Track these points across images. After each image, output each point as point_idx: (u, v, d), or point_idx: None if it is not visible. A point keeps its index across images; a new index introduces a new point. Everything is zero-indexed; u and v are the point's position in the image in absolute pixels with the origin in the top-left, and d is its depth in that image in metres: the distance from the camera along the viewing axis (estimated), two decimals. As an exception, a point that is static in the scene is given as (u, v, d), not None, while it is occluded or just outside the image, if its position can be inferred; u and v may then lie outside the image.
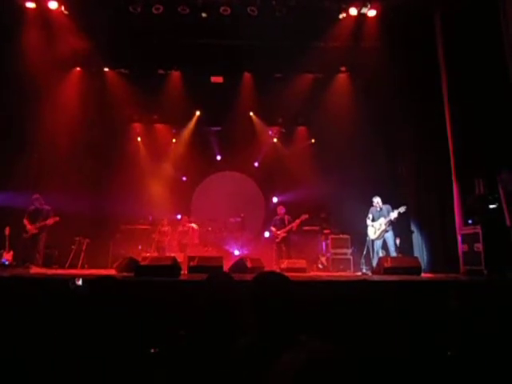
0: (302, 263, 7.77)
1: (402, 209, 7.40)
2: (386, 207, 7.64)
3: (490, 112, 6.72)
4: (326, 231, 9.66)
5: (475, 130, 6.92)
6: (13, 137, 8.28)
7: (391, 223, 7.55)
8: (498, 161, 6.56)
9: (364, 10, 8.07)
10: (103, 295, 2.38)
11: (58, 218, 7.56)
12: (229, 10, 7.88)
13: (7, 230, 7.39)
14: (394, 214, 7.44)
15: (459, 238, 7.09)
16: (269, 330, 1.62)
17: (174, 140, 11.23)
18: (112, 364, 2.12)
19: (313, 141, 11.15)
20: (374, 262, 7.46)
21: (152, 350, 2.14)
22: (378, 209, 7.68)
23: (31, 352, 2.53)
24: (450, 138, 7.44)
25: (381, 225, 7.56)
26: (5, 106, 8.04)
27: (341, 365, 0.80)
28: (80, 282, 3.84)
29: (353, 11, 8.05)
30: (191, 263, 6.44)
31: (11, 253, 7.39)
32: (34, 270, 6.91)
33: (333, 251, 9.00)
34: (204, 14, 8.03)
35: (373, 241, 7.66)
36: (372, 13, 8.13)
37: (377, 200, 7.74)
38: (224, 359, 1.66)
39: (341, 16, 8.17)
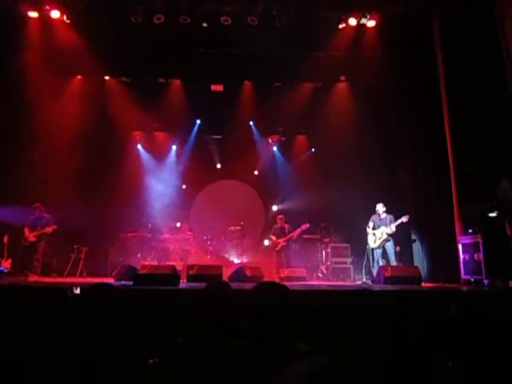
0: (302, 272, 7.76)
1: (405, 218, 7.37)
2: (389, 217, 7.60)
3: (489, 120, 6.73)
4: (325, 240, 9.63)
5: (475, 139, 6.93)
6: (12, 145, 8.30)
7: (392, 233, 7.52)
8: (498, 169, 6.55)
9: (363, 21, 8.13)
10: (101, 304, 2.36)
11: (55, 226, 7.53)
12: (229, 20, 7.93)
13: (6, 238, 7.37)
14: (392, 227, 7.41)
15: (459, 248, 7.05)
16: (268, 339, 1.61)
17: (174, 148, 11.26)
18: (109, 373, 2.09)
19: (313, 150, 11.16)
20: (374, 271, 7.41)
21: (151, 361, 2.11)
22: (380, 217, 7.65)
23: (28, 360, 2.50)
24: (450, 146, 7.44)
25: (382, 234, 7.51)
26: (5, 114, 8.06)
27: (342, 380, 0.78)
28: (78, 291, 3.82)
29: (352, 21, 8.11)
30: (190, 272, 6.43)
31: (10, 261, 7.36)
32: (33, 278, 6.89)
33: (333, 260, 8.96)
34: (205, 24, 8.09)
35: (373, 249, 7.61)
36: (371, 23, 8.19)
37: (379, 207, 7.71)
38: (221, 367, 1.65)
39: (340, 26, 8.23)
